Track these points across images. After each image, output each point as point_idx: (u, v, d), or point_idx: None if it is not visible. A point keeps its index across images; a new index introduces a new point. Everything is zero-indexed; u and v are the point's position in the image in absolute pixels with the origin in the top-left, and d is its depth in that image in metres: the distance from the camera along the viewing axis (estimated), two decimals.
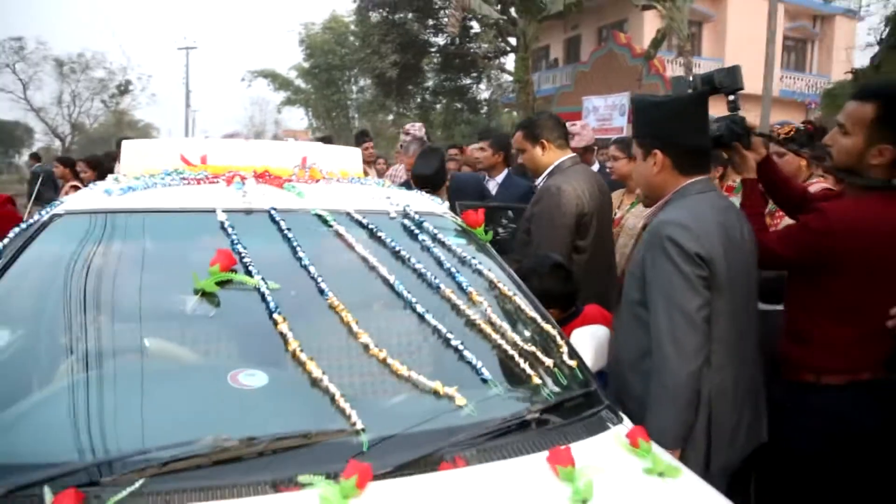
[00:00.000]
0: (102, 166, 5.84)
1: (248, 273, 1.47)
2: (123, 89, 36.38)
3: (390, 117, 30.71)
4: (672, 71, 16.14)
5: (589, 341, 1.84)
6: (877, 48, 9.20)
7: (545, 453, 1.27)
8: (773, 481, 2.01)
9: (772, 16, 12.40)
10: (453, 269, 1.71)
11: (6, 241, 1.52)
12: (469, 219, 2.00)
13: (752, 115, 15.69)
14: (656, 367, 1.65)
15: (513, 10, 17.77)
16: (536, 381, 1.49)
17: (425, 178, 3.17)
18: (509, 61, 23.53)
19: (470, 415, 1.34)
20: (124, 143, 3.54)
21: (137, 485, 1.01)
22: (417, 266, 1.68)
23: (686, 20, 13.05)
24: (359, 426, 1.22)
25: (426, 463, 1.19)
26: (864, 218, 1.75)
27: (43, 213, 1.67)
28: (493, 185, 3.93)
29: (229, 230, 1.60)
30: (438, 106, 24.29)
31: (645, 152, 1.85)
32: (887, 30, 9.29)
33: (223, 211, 1.66)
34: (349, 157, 3.99)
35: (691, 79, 2.01)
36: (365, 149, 5.48)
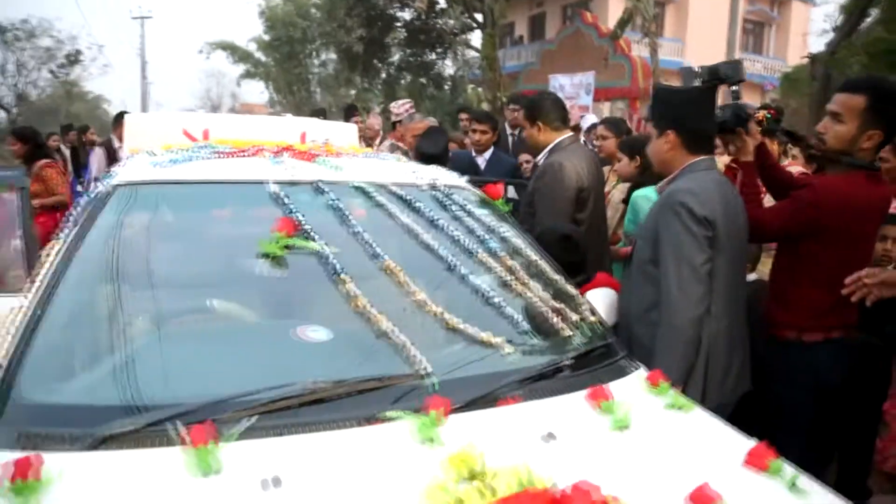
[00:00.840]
0: (32, 140, 5.55)
1: (309, 239, 1.62)
2: (73, 59, 34.87)
3: (353, 92, 30.45)
4: (638, 51, 16.43)
5: (601, 301, 2.05)
6: (832, 34, 9.67)
7: (583, 392, 1.47)
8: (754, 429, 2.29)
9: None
10: (484, 236, 1.89)
11: (78, 210, 1.62)
12: (490, 191, 2.18)
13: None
14: (665, 313, 1.90)
15: None
16: (566, 333, 1.70)
17: (431, 157, 3.32)
18: (475, 37, 23.57)
19: (515, 361, 1.53)
20: (127, 116, 3.61)
21: (253, 420, 1.17)
22: (453, 232, 1.85)
23: (652, 1, 13.32)
24: (428, 370, 1.39)
25: (487, 400, 1.38)
26: (848, 194, 2.00)
27: (101, 184, 1.76)
28: (481, 161, 4.14)
29: (284, 200, 1.73)
30: (404, 81, 24.16)
31: (659, 132, 2.10)
32: (842, 17, 9.77)
33: (274, 182, 1.80)
34: (345, 132, 4.11)
35: (699, 69, 2.23)
36: (357, 122, 5.57)
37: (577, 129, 4.69)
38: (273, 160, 2.02)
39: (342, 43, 18.52)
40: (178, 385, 1.26)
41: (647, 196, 2.92)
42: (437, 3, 20.65)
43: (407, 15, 20.89)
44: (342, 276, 1.54)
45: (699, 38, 21.06)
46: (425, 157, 3.38)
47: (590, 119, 6.50)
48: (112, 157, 6.69)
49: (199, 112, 4.54)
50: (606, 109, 15.87)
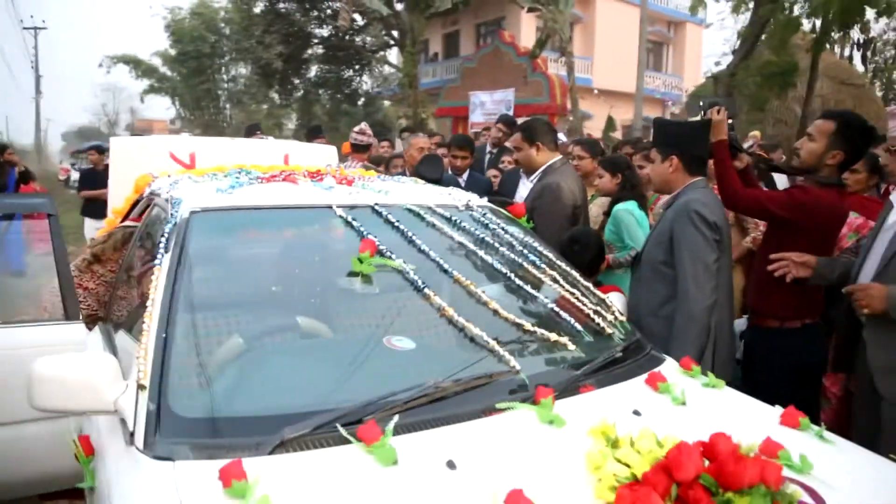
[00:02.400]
0: None
1: (387, 257, 1.79)
2: None
3: (265, 106, 29.93)
4: (554, 69, 17.29)
5: (616, 302, 2.34)
6: (730, 56, 10.75)
7: (640, 378, 1.74)
8: None
9: (643, 21, 13.80)
10: (522, 250, 2.12)
11: (165, 237, 1.70)
12: (514, 210, 2.42)
13: (622, 111, 17.05)
14: (682, 305, 2.24)
15: (399, 5, 18.12)
16: (608, 331, 1.96)
17: (431, 181, 3.54)
18: (391, 54, 23.90)
19: (578, 357, 1.77)
20: (112, 139, 3.57)
21: (396, 418, 1.34)
22: (498, 247, 2.07)
23: (568, 22, 14.13)
24: (516, 367, 1.60)
25: (571, 389, 1.60)
26: (824, 203, 2.43)
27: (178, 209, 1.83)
28: (461, 182, 4.40)
29: (352, 222, 1.89)
30: (324, 98, 24.07)
31: (663, 157, 2.47)
32: (739, 42, 10.89)
33: (338, 206, 1.95)
34: (326, 154, 4.24)
35: (701, 104, 2.61)
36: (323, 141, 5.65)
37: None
38: (323, 185, 2.16)
39: (260, 59, 18.27)
40: (326, 392, 1.40)
41: (628, 209, 3.27)
42: (355, 20, 20.81)
43: (324, 31, 20.89)
44: (426, 290, 1.72)
45: (605, 56, 22.40)
46: (425, 181, 3.59)
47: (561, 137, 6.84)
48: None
49: (183, 136, 4.46)
50: None
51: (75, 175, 20.51)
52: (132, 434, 1.30)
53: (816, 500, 1.23)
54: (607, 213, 3.46)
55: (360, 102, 25.19)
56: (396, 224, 1.96)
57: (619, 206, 3.32)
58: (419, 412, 1.40)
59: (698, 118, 2.60)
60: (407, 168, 4.09)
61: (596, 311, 2.00)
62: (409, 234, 1.93)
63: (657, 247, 2.39)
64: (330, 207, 1.94)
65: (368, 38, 21.50)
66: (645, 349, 1.98)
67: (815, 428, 1.60)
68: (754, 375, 2.53)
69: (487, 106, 16.64)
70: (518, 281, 1.95)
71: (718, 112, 2.55)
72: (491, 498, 1.11)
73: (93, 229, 7.45)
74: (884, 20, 15.92)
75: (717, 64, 13.60)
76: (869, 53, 16.97)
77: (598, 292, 2.16)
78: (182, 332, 1.44)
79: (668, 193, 2.52)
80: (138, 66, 29.48)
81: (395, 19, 18.88)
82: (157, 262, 1.61)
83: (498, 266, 1.98)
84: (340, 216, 1.91)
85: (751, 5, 10.87)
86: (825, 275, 2.30)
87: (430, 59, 26.75)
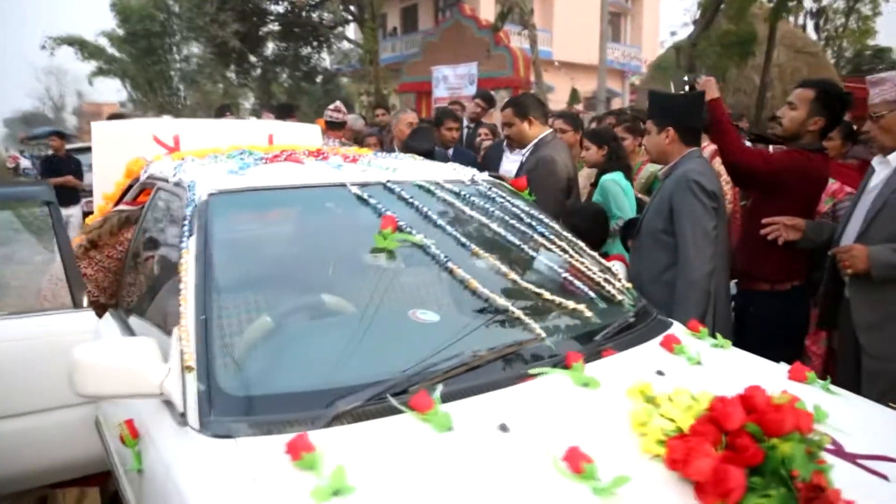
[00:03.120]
0: None
1: (408, 232, 1.82)
2: None
3: (220, 86, 29.12)
4: (520, 43, 17.24)
5: (620, 271, 2.42)
6: (689, 27, 10.93)
7: (655, 341, 1.82)
8: None
9: None
10: (531, 222, 2.18)
11: (187, 220, 1.69)
12: (516, 184, 2.46)
13: (582, 83, 17.12)
14: (683, 271, 2.34)
15: None
16: (618, 298, 2.04)
17: (423, 153, 3.54)
18: (349, 30, 23.44)
19: (595, 323, 1.84)
20: (94, 124, 3.48)
21: (441, 387, 1.39)
22: (508, 220, 2.12)
23: None
24: (542, 335, 1.67)
25: (595, 353, 1.68)
26: (814, 167, 2.56)
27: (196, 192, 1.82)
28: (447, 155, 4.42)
29: (368, 199, 1.91)
30: (283, 76, 23.53)
31: (659, 129, 2.54)
32: (700, 12, 11.08)
33: (352, 184, 1.96)
34: (309, 133, 4.21)
35: (686, 78, 2.69)
36: (294, 120, 5.59)
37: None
38: (331, 164, 2.16)
39: (216, 38, 17.72)
40: (368, 366, 1.44)
41: (615, 180, 3.36)
42: None
43: (280, 8, 20.35)
44: (449, 263, 1.76)
45: (565, 28, 22.44)
46: (417, 154, 3.60)
47: None
48: None
49: (165, 118, 4.36)
50: None
51: (25, 163, 19.68)
52: (183, 415, 1.32)
53: (836, 445, 1.34)
54: (594, 185, 3.55)
55: (318, 80, 24.69)
56: (410, 200, 1.98)
57: (606, 177, 3.40)
58: (460, 380, 1.45)
59: (682, 92, 2.68)
60: (396, 143, 4.08)
61: (605, 280, 2.07)
62: (424, 209, 1.96)
63: (657, 216, 2.47)
64: (344, 185, 1.96)
65: (326, 14, 21.02)
66: (652, 314, 2.07)
67: (821, 382, 1.72)
68: (744, 337, 2.65)
69: (450, 80, 16.55)
70: (531, 252, 2.01)
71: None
72: (549, 456, 1.18)
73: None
74: None
75: (674, 34, 13.91)
76: (821, 22, 17.44)
77: (603, 261, 2.23)
78: (221, 313, 1.45)
79: (665, 164, 2.60)
80: (84, 48, 28.24)
81: None
82: (183, 245, 1.61)
83: (511, 238, 2.02)
84: (356, 194, 1.93)
85: None
86: (814, 237, 2.43)
87: (388, 34, 26.37)
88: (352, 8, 19.59)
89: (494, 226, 2.04)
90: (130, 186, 2.79)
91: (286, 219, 1.89)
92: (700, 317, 2.30)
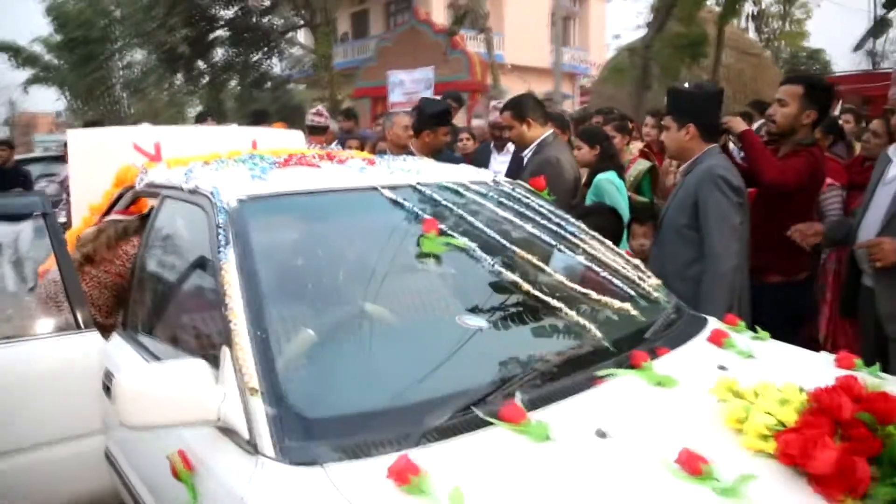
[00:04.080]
0: None
1: (449, 235, 1.75)
2: None
3: (165, 94, 28.21)
4: (476, 47, 17.31)
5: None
6: (634, 30, 11.20)
7: (701, 337, 1.80)
8: None
9: None
10: (559, 222, 2.14)
11: (221, 229, 1.57)
12: (535, 184, 2.42)
13: (534, 86, 17.37)
14: (710, 266, 2.35)
15: None
16: (655, 295, 2.01)
17: (439, 115, 3.71)
18: (300, 35, 23.04)
19: (642, 321, 1.81)
20: (70, 132, 3.28)
21: (521, 395, 1.32)
22: (538, 220, 2.08)
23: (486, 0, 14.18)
24: (599, 335, 1.63)
25: (651, 352, 1.64)
26: (817, 166, 2.62)
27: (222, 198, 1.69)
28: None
29: (404, 203, 1.83)
30: (233, 82, 22.96)
31: (679, 125, 2.54)
32: (652, 15, 11.35)
33: (382, 187, 1.88)
34: (293, 139, 4.09)
35: (687, 84, 2.73)
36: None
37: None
38: (351, 167, 2.07)
39: (164, 43, 17.13)
40: (439, 377, 1.36)
41: (609, 179, 3.36)
42: (261, 2, 19.96)
43: (230, 13, 19.86)
44: (496, 266, 1.70)
45: (516, 32, 22.66)
46: (433, 116, 3.67)
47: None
48: None
49: (144, 126, 4.13)
50: None
51: None
52: (251, 442, 1.21)
53: None
54: (587, 184, 3.54)
55: (266, 86, 24.15)
56: (442, 202, 1.92)
57: (601, 176, 3.40)
58: (535, 388, 1.39)
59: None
60: (390, 147, 3.98)
61: (640, 277, 2.05)
62: (457, 210, 1.89)
63: (680, 211, 2.47)
64: (375, 189, 1.88)
65: (276, 20, 20.64)
66: (685, 310, 2.06)
67: (869, 368, 1.73)
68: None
69: (407, 85, 16.40)
70: (567, 251, 1.97)
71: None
72: (658, 459, 1.13)
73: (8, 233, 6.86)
74: None
75: (617, 37, 14.17)
76: (761, 25, 18.17)
77: (632, 259, 2.21)
78: (279, 328, 1.35)
79: (684, 160, 2.61)
80: (18, 55, 26.88)
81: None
82: (220, 256, 1.49)
83: (545, 238, 1.98)
84: (388, 197, 1.85)
85: None
86: (835, 237, 2.48)
87: (339, 39, 26.08)
88: (303, 12, 19.30)
89: (528, 226, 1.99)
90: (121, 196, 2.63)
91: (322, 224, 1.78)
92: (726, 311, 2.31)
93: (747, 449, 1.19)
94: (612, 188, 3.37)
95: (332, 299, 1.54)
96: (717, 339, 1.78)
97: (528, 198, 2.22)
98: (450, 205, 1.91)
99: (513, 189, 2.24)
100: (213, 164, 2.17)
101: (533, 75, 21.88)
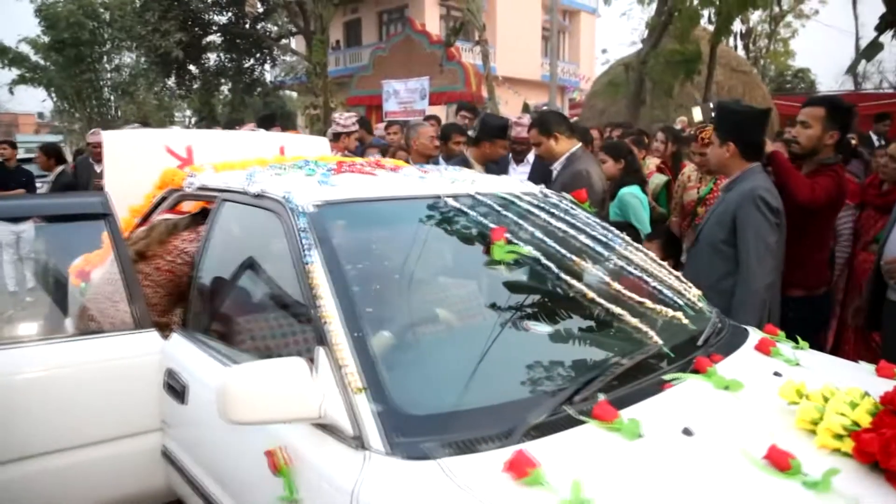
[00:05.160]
0: None
1: (515, 245, 1.83)
2: None
3: (153, 97, 28.08)
4: (473, 59, 17.46)
5: None
6: (625, 45, 11.41)
7: (749, 345, 1.89)
8: None
9: (553, 10, 14.33)
10: (607, 233, 2.22)
11: (303, 232, 1.63)
12: (578, 196, 2.51)
13: (527, 98, 17.44)
14: (744, 281, 2.45)
15: None
16: (699, 305, 2.10)
17: (500, 128, 3.94)
18: (294, 42, 23.09)
19: (693, 329, 1.90)
20: (104, 134, 3.32)
21: (603, 395, 1.40)
22: (589, 230, 2.16)
23: (482, 10, 14.34)
24: (659, 341, 1.71)
25: (707, 356, 1.73)
26: (843, 186, 2.73)
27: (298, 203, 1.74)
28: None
29: (468, 211, 1.91)
30: (225, 88, 22.92)
31: (721, 141, 2.64)
32: (648, 31, 11.60)
33: (446, 196, 1.96)
34: (318, 145, 4.15)
35: (711, 104, 2.83)
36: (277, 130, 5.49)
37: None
38: (410, 175, 2.14)
39: (158, 47, 17.08)
40: (531, 378, 1.43)
41: (633, 193, 3.47)
42: (256, 7, 20.00)
43: (224, 19, 19.87)
44: (562, 274, 1.78)
45: (507, 44, 22.92)
46: (496, 129, 3.90)
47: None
48: None
49: (175, 129, 4.15)
50: (443, 112, 16.59)
51: None
52: (357, 438, 1.27)
53: None
54: (611, 197, 3.64)
55: (256, 93, 24.13)
56: (501, 211, 1.99)
57: (626, 190, 3.51)
58: (613, 390, 1.46)
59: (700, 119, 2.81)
60: (414, 156, 4.06)
61: (684, 288, 2.14)
62: (515, 219, 1.97)
63: (719, 227, 2.57)
64: (438, 197, 1.95)
65: (270, 26, 20.68)
66: (726, 320, 2.15)
67: None
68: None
69: (401, 94, 16.51)
70: (618, 261, 2.05)
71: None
72: (746, 456, 1.21)
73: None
74: (759, 13, 17.57)
75: (605, 51, 14.48)
76: (749, 44, 18.58)
77: (673, 270, 2.30)
78: (375, 328, 1.41)
79: (724, 175, 2.73)
80: (4, 54, 26.57)
81: (298, 6, 18.30)
82: (307, 259, 1.55)
83: (597, 248, 2.06)
84: (452, 205, 1.93)
85: None
86: None
87: (332, 47, 26.16)
88: (298, 20, 19.36)
89: (581, 237, 2.08)
90: (164, 198, 2.67)
91: (393, 230, 1.85)
92: (757, 324, 2.41)
93: (822, 448, 1.28)
94: (637, 202, 3.47)
95: (415, 301, 1.61)
96: (765, 347, 1.88)
97: (574, 209, 2.30)
98: (509, 214, 1.99)
99: (560, 201, 2.32)
100: (271, 170, 2.22)
101: (523, 87, 22.16)
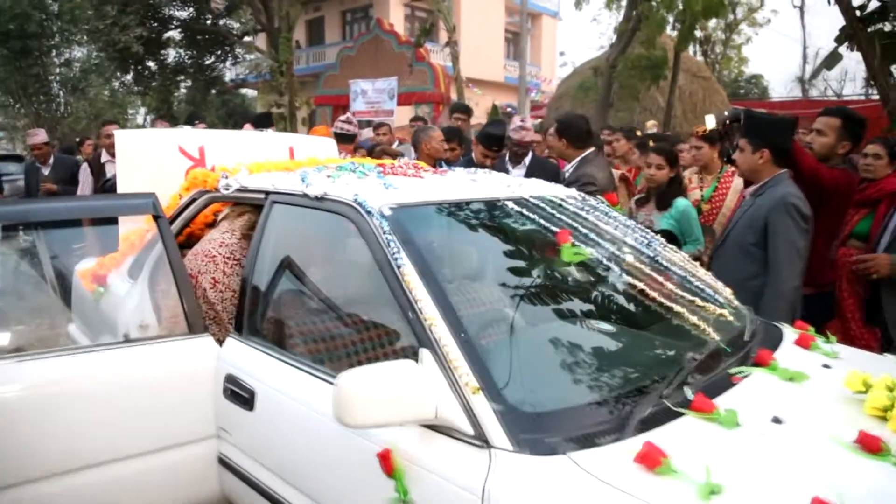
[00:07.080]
0: None
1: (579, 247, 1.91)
2: None
3: (106, 94, 27.17)
4: (443, 60, 17.51)
5: None
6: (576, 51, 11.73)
7: (789, 340, 2.02)
8: None
9: (522, 14, 14.52)
10: (645, 234, 2.33)
11: (385, 235, 1.66)
12: (610, 199, 2.61)
13: (488, 99, 17.60)
14: (774, 283, 2.60)
15: None
16: (736, 303, 2.23)
17: (498, 137, 3.95)
18: (258, 40, 22.68)
19: (739, 326, 2.02)
20: (117, 133, 3.26)
21: (688, 388, 1.49)
22: (630, 232, 2.26)
23: (452, 11, 14.42)
24: (716, 337, 1.81)
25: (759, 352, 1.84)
26: (854, 184, 2.94)
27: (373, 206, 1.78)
28: None
29: (528, 214, 1.98)
30: (183, 86, 22.33)
31: (754, 149, 2.77)
32: (616, 36, 11.94)
33: (505, 200, 2.03)
34: (326, 146, 4.16)
35: (726, 113, 2.99)
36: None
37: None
38: (464, 178, 2.21)
39: (117, 42, 16.52)
40: (625, 375, 1.52)
41: (689, 205, 3.52)
42: (218, 4, 19.59)
43: (185, 14, 19.38)
44: (625, 275, 1.87)
45: (469, 45, 23.07)
46: (492, 138, 3.96)
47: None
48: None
49: (185, 129, 4.05)
50: (411, 112, 16.58)
51: None
52: (478, 437, 1.32)
53: None
54: (660, 206, 3.63)
55: (214, 91, 23.58)
56: (555, 214, 2.07)
57: (684, 202, 3.51)
58: (694, 384, 1.55)
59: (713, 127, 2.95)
60: (424, 160, 4.10)
61: (721, 287, 2.26)
62: (568, 221, 2.05)
63: (749, 230, 2.72)
64: (498, 200, 2.02)
65: (233, 23, 20.27)
66: (759, 317, 2.28)
67: None
68: None
69: (370, 94, 16.44)
70: (662, 262, 2.16)
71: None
72: (836, 441, 1.32)
73: None
74: (713, 21, 18.21)
75: (563, 54, 14.82)
76: (707, 49, 19.23)
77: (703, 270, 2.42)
78: (476, 329, 1.47)
79: (753, 180, 2.88)
80: None
81: (262, 4, 18.01)
82: (397, 262, 1.58)
83: (643, 249, 2.16)
84: (514, 209, 1.99)
85: (623, 3, 11.90)
86: None
87: (294, 45, 25.82)
88: (261, 17, 19.04)
89: (629, 239, 2.17)
90: (193, 199, 2.65)
91: (462, 232, 1.90)
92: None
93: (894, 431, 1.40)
94: (695, 214, 3.54)
95: (506, 300, 1.67)
96: (805, 342, 2.01)
97: (611, 212, 2.40)
98: (563, 217, 2.07)
99: (598, 203, 2.41)
100: (321, 171, 2.24)
101: (487, 89, 22.36)
